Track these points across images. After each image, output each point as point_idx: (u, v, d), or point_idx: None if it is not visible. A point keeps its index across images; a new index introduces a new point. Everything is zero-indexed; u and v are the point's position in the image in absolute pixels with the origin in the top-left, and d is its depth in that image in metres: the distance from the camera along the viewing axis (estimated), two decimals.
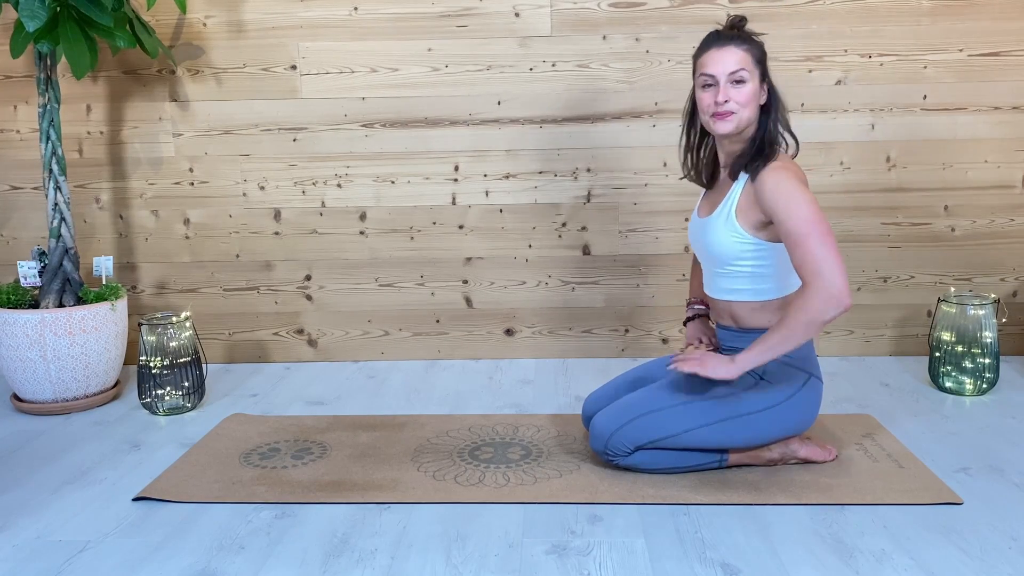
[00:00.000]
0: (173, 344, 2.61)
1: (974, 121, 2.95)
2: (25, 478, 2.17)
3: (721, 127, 1.95)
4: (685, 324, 2.33)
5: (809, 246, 1.81)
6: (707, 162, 2.14)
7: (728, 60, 1.93)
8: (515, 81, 2.98)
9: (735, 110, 1.93)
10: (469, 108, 3.01)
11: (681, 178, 2.29)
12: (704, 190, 2.18)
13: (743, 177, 1.99)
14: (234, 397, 2.81)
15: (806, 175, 2.00)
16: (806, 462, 2.11)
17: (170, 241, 3.14)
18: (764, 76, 1.97)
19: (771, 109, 1.99)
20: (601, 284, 3.10)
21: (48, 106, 2.65)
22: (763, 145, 1.97)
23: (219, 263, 3.15)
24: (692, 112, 2.10)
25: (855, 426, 2.39)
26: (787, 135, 2.03)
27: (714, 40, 1.97)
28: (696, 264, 2.37)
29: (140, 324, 2.60)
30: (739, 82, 1.93)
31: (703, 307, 2.30)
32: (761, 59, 1.96)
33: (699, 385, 2.02)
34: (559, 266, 3.11)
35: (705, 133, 2.10)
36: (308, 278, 3.15)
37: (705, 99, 1.97)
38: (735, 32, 1.96)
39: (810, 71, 2.94)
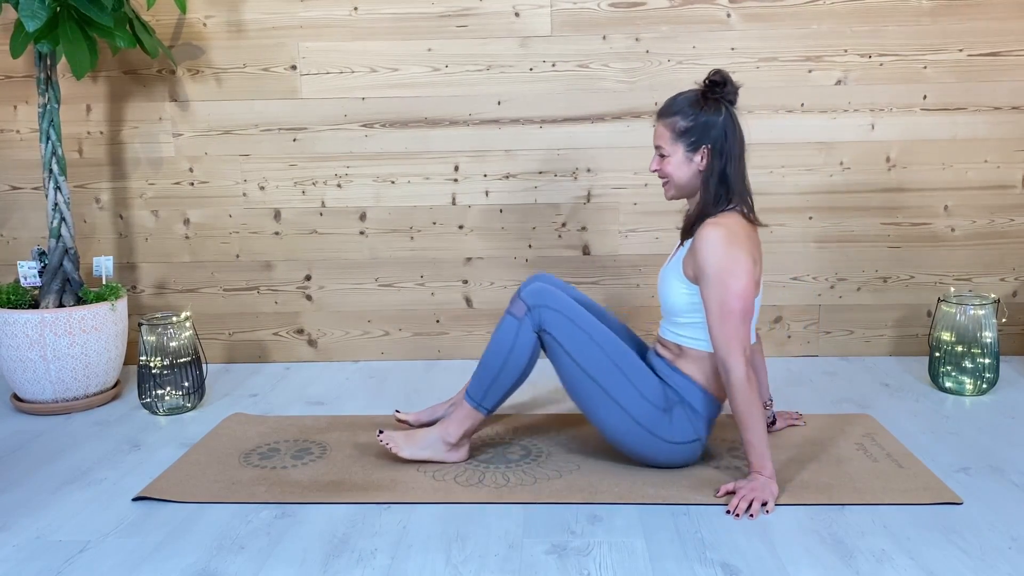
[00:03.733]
0: (173, 344, 2.61)
1: (974, 121, 2.95)
2: (25, 478, 2.17)
3: (664, 192, 2.11)
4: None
5: (728, 319, 1.92)
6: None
7: (655, 134, 2.08)
8: (515, 81, 2.98)
9: (665, 177, 2.07)
10: (469, 108, 3.01)
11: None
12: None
13: (688, 240, 2.07)
14: (234, 397, 2.81)
15: (753, 231, 2.02)
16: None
17: (170, 241, 3.14)
18: (696, 145, 2.01)
19: (714, 173, 2.02)
20: (601, 284, 3.10)
21: (48, 106, 2.65)
22: (705, 207, 2.03)
23: (219, 263, 3.15)
24: None
25: (855, 426, 2.38)
26: (737, 196, 2.04)
27: (657, 112, 2.09)
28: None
29: (140, 324, 2.60)
30: (662, 155, 2.06)
31: (770, 413, 2.38)
32: (688, 131, 2.01)
33: (628, 376, 2.04)
34: (559, 266, 3.11)
35: None
36: (308, 278, 3.15)
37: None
38: (680, 100, 2.03)
39: (810, 71, 2.94)
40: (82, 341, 2.63)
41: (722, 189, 2.01)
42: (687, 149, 2.02)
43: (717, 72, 2.01)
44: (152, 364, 2.59)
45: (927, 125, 2.96)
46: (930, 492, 1.96)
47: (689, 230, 2.05)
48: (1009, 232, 3.02)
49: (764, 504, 1.89)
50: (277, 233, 3.12)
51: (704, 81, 2.02)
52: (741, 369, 1.90)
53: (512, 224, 3.08)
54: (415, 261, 3.12)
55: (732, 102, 2.03)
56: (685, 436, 2.05)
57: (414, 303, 3.14)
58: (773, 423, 2.36)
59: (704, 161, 2.02)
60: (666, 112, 2.04)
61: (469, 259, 3.11)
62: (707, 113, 2.00)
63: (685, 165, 2.03)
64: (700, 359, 2.06)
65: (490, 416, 2.22)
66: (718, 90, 2.00)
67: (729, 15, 2.92)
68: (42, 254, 2.72)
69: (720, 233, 1.94)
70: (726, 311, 1.91)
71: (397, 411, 2.41)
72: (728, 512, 1.88)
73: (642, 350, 2.26)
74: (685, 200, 2.12)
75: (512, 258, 3.10)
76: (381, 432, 2.18)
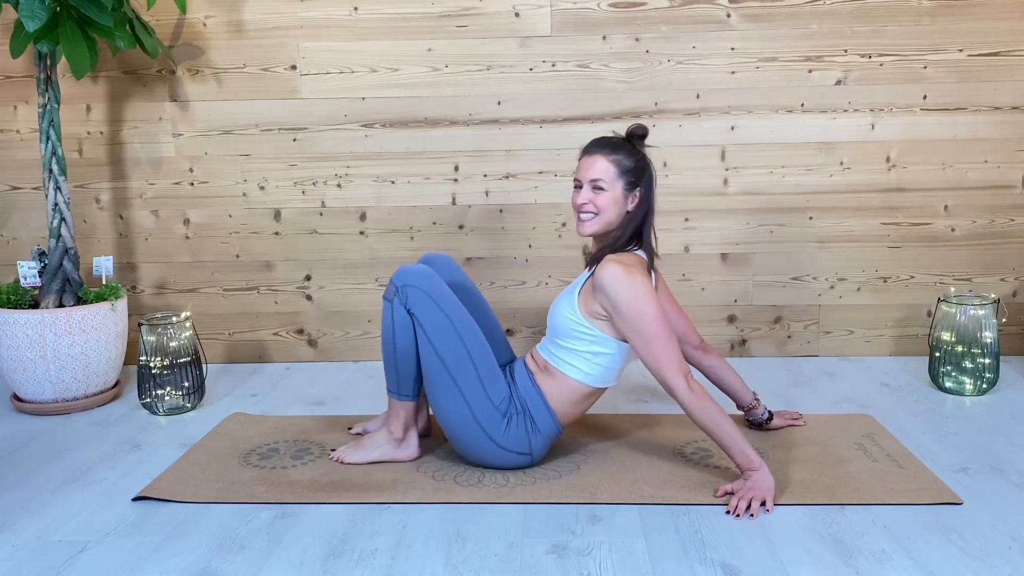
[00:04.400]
0: (173, 344, 2.61)
1: (974, 121, 2.95)
2: (25, 478, 2.17)
3: (580, 228, 2.09)
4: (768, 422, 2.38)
5: (653, 350, 1.95)
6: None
7: (593, 168, 2.06)
8: (515, 81, 2.98)
9: (594, 211, 2.06)
10: (469, 108, 3.01)
11: None
12: None
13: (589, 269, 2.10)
14: (234, 397, 2.81)
15: (644, 269, 2.06)
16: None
17: (170, 241, 3.14)
18: (634, 186, 2.06)
19: (636, 216, 2.09)
20: None
21: (48, 106, 2.65)
22: (620, 244, 2.08)
23: (219, 263, 3.15)
24: None
25: (855, 426, 2.39)
26: (650, 243, 2.12)
27: (590, 146, 2.10)
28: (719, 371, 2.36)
29: (140, 324, 2.60)
30: (598, 188, 2.05)
31: (762, 410, 2.37)
32: (630, 170, 2.05)
33: (480, 369, 2.05)
34: (559, 266, 3.11)
35: None
36: (308, 278, 3.15)
37: (572, 198, 2.11)
38: (616, 141, 2.09)
39: (810, 71, 2.94)
40: (82, 341, 2.63)
41: (640, 231, 2.09)
42: (625, 188, 2.06)
43: (640, 126, 2.09)
44: (152, 364, 2.59)
45: (927, 125, 2.96)
46: (930, 492, 1.96)
47: (595, 261, 2.08)
48: (1009, 232, 3.02)
49: (763, 503, 1.89)
50: (277, 233, 3.12)
51: (629, 132, 2.09)
52: (683, 386, 1.94)
53: (512, 224, 3.08)
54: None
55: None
56: (517, 446, 2.07)
57: None
58: (770, 419, 2.36)
59: (634, 203, 2.07)
60: (608, 148, 2.07)
61: (469, 259, 3.11)
62: (643, 158, 2.09)
63: (619, 203, 2.06)
64: (563, 383, 2.09)
65: (421, 400, 2.21)
66: (641, 142, 2.09)
67: (729, 15, 2.92)
68: (42, 254, 2.72)
69: (618, 268, 1.98)
70: (649, 337, 1.96)
71: (349, 428, 2.43)
72: (728, 513, 1.88)
73: (508, 359, 2.28)
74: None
75: (512, 258, 3.10)
76: (333, 451, 2.25)
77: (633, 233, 2.09)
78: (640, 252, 2.11)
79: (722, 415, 1.94)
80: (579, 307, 2.06)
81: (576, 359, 2.07)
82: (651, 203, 2.10)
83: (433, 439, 2.34)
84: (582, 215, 2.08)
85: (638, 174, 2.07)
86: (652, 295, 1.98)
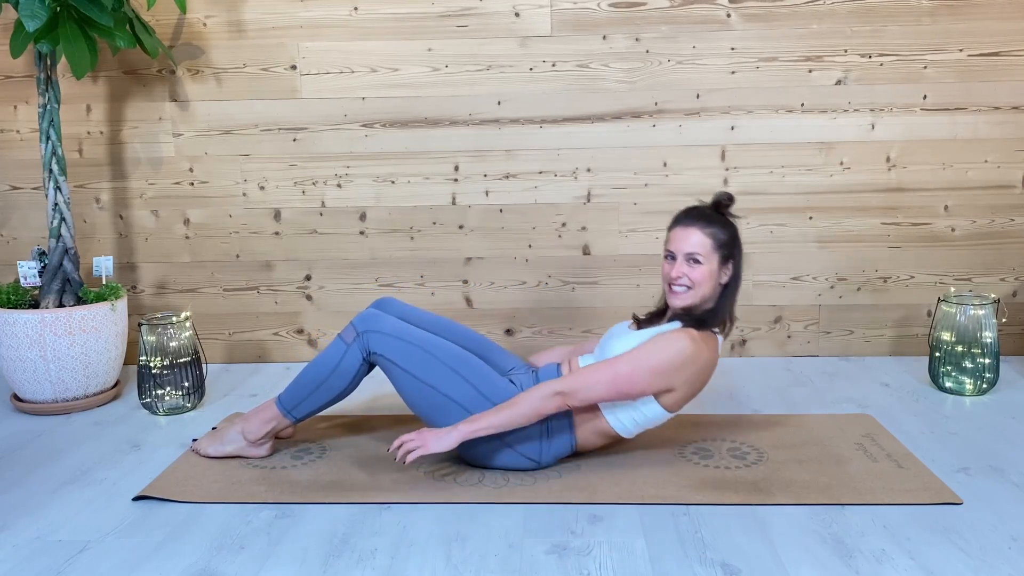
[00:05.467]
0: (173, 344, 2.61)
1: (974, 121, 2.95)
2: (25, 478, 2.17)
3: (672, 300, 2.08)
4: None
5: (603, 372, 1.96)
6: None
7: (688, 240, 2.04)
8: (515, 81, 2.98)
9: (689, 285, 2.04)
10: (469, 108, 3.01)
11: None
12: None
13: (674, 323, 2.08)
14: (234, 397, 2.81)
15: (713, 358, 2.05)
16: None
17: (170, 241, 3.14)
18: (728, 258, 2.06)
19: (729, 289, 2.09)
20: (601, 284, 3.10)
21: (48, 106, 2.65)
22: (708, 317, 2.06)
23: (219, 263, 3.15)
24: None
25: (855, 426, 2.39)
26: (730, 315, 2.12)
27: (683, 218, 2.08)
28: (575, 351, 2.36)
29: (140, 324, 2.60)
30: (695, 262, 2.03)
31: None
32: (725, 243, 2.04)
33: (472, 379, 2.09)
34: (559, 266, 3.11)
35: None
36: (308, 278, 3.15)
37: (664, 268, 2.10)
38: (708, 212, 2.07)
39: (810, 71, 2.94)
40: (82, 341, 2.63)
41: (729, 304, 2.08)
42: (720, 261, 2.05)
43: (728, 195, 2.07)
44: (152, 364, 2.59)
45: (927, 125, 2.96)
46: (930, 492, 1.96)
47: (664, 318, 2.10)
48: (1009, 232, 3.02)
49: (416, 451, 1.95)
50: (277, 233, 3.12)
51: (716, 201, 2.07)
52: (558, 396, 1.96)
53: (512, 224, 3.08)
54: (415, 261, 3.12)
55: None
56: (525, 449, 2.08)
57: (414, 303, 3.14)
58: None
59: (727, 276, 2.07)
60: (703, 220, 2.05)
61: (469, 259, 3.11)
62: (735, 229, 2.07)
63: (715, 276, 2.05)
64: (595, 418, 2.08)
65: (297, 423, 2.24)
66: (728, 210, 2.08)
67: (729, 15, 2.92)
68: (42, 254, 2.72)
69: (688, 348, 1.97)
70: (614, 369, 1.96)
71: (214, 427, 2.40)
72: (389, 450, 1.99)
73: (511, 363, 2.27)
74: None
75: (512, 258, 3.10)
76: (194, 440, 2.31)
77: (731, 303, 2.09)
78: (719, 335, 2.10)
79: (513, 421, 1.97)
80: None
81: (618, 408, 2.06)
82: (740, 274, 2.09)
83: None
84: (675, 287, 2.05)
85: (731, 246, 2.06)
86: (657, 383, 1.97)
